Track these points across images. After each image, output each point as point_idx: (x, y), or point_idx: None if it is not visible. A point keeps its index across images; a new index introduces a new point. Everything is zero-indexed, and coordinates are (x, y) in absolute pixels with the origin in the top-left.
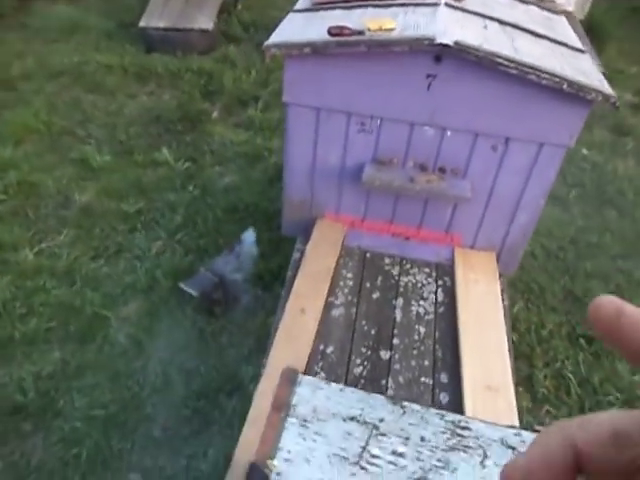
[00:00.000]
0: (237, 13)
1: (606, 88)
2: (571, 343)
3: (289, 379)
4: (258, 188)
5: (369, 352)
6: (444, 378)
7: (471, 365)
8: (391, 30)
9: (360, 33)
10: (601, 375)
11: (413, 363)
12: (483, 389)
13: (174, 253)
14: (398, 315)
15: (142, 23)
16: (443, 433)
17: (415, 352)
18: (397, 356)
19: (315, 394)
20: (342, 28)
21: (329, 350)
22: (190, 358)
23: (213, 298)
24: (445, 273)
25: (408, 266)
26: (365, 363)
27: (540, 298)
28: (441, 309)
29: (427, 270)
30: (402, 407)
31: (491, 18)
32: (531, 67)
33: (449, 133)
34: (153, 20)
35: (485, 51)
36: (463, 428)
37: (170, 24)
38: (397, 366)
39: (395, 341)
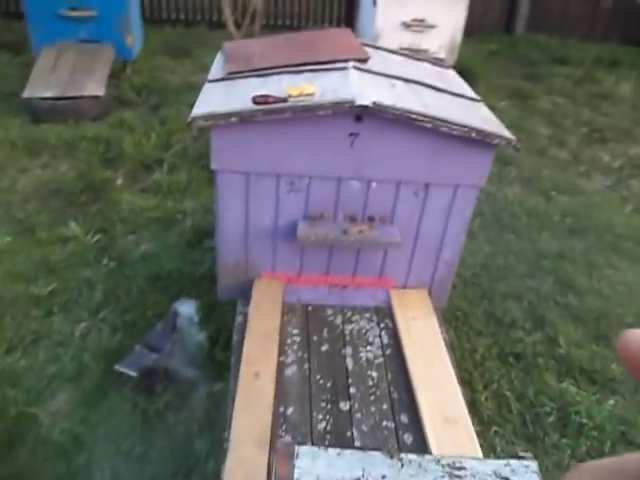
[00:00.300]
0: (127, 77)
1: (506, 133)
2: (502, 362)
3: (287, 454)
4: (178, 253)
5: (329, 405)
6: (404, 418)
7: (426, 401)
8: (311, 95)
9: (284, 100)
10: (534, 388)
11: (373, 409)
12: (442, 422)
13: (100, 333)
14: (350, 364)
15: (26, 94)
16: (442, 477)
17: (372, 398)
18: (356, 405)
19: (315, 463)
20: (266, 97)
21: (289, 411)
22: (137, 443)
23: (153, 375)
24: (385, 316)
25: (350, 314)
26: (327, 417)
27: (466, 324)
28: (388, 351)
29: (368, 315)
30: (399, 460)
31: (396, 77)
32: (442, 120)
33: (374, 184)
34: (38, 90)
35: (401, 109)
36: (459, 469)
37: (58, 93)
38: (358, 415)
39: (352, 390)
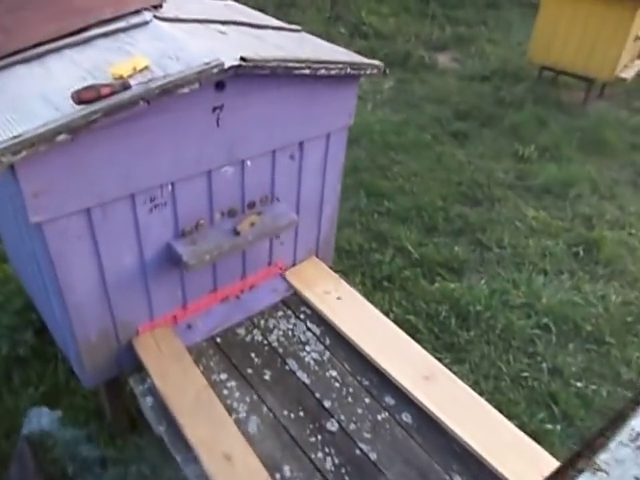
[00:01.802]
0: None
1: (370, 60)
2: (382, 290)
3: None
4: None
5: (318, 436)
6: (390, 400)
7: (399, 371)
8: (147, 69)
9: (125, 87)
10: (421, 301)
11: (359, 410)
12: (425, 383)
13: None
14: (304, 377)
15: None
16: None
17: (350, 399)
18: (342, 416)
19: None
20: (97, 88)
21: (287, 472)
22: None
23: None
24: (298, 304)
25: (263, 321)
26: (326, 449)
27: None
28: (327, 341)
29: (281, 313)
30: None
31: (211, 21)
32: (319, 62)
33: (249, 163)
34: None
35: (276, 59)
36: None
37: None
38: (352, 426)
39: (327, 404)
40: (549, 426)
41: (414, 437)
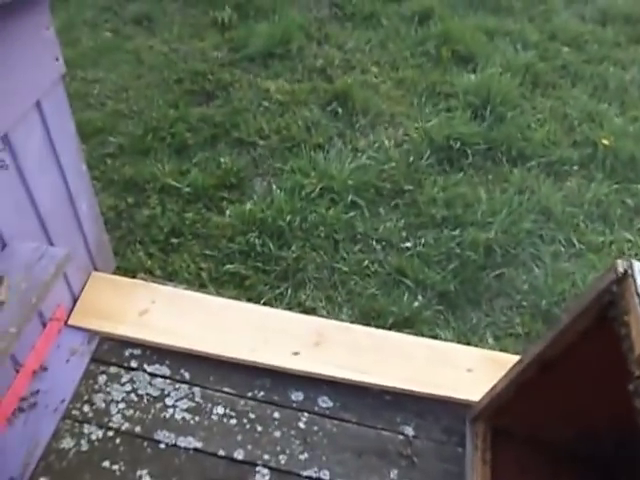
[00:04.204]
0: None
1: None
2: (169, 252)
3: None
4: None
5: None
6: (297, 396)
7: (280, 355)
8: None
9: None
10: None
11: (277, 434)
12: (316, 350)
13: None
14: (191, 442)
15: None
16: None
17: (259, 427)
18: (265, 456)
19: None
20: None
21: None
22: None
23: None
24: (117, 350)
25: (87, 406)
26: None
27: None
28: (185, 374)
29: (103, 378)
30: None
31: None
32: None
33: None
34: None
35: None
36: None
37: None
38: (282, 458)
39: (238, 455)
40: (416, 304)
41: (345, 419)
